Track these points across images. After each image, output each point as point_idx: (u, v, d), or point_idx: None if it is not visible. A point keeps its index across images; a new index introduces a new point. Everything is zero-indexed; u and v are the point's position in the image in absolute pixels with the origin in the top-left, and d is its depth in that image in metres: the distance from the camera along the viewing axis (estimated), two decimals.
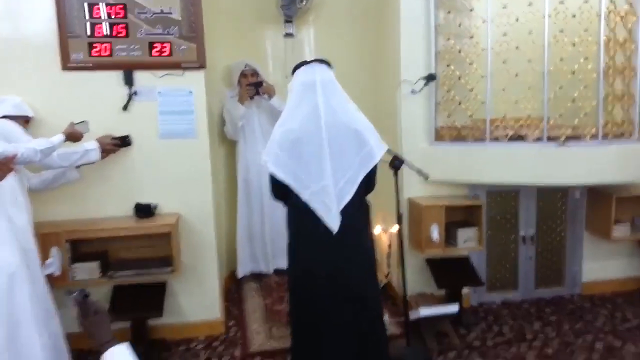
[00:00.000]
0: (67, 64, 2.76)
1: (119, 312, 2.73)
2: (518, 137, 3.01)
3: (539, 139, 2.96)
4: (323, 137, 1.99)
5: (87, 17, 2.75)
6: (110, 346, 1.38)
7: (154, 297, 2.86)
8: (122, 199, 2.90)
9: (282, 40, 4.02)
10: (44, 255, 2.54)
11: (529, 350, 2.83)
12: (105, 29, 2.77)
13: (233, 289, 3.82)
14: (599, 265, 3.58)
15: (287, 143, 2.03)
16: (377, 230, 3.48)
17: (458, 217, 3.24)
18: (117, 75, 2.83)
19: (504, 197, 3.40)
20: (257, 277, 3.95)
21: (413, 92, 3.11)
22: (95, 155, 2.65)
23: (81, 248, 2.82)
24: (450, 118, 3.17)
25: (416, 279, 3.23)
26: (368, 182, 2.10)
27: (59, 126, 2.59)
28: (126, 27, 2.79)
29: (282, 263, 3.84)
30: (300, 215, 2.05)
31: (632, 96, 3.02)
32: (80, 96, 2.80)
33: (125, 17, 2.78)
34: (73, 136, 2.59)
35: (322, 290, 2.00)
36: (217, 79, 3.78)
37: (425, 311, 2.86)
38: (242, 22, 3.94)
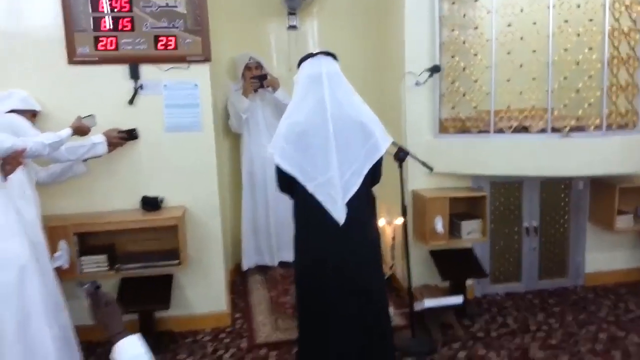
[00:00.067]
0: (73, 58, 2.77)
1: (127, 304, 2.75)
2: (522, 128, 3.01)
3: (543, 130, 2.96)
4: (329, 129, 1.99)
5: (93, 11, 2.76)
6: (122, 337, 1.39)
7: (160, 289, 2.89)
8: (128, 192, 2.92)
9: (285, 33, 4.01)
10: (53, 248, 2.57)
11: (532, 341, 2.85)
12: (110, 22, 2.78)
13: (238, 281, 3.85)
14: (602, 256, 3.59)
15: (293, 135, 2.03)
16: (381, 222, 3.50)
17: (462, 208, 3.25)
18: (122, 69, 2.84)
19: (508, 188, 3.41)
20: (262, 269, 3.98)
21: (417, 84, 3.11)
22: (102, 148, 2.66)
23: (89, 241, 2.85)
24: (454, 110, 3.17)
25: (420, 271, 3.25)
26: (374, 174, 2.11)
27: (66, 120, 2.61)
28: (131, 21, 2.79)
29: (287, 256, 3.89)
30: (306, 208, 2.06)
31: (636, 86, 3.02)
32: (87, 90, 2.82)
33: (130, 10, 2.78)
34: (80, 130, 2.60)
35: (329, 282, 2.01)
36: (222, 72, 3.78)
37: (429, 302, 2.88)
38: (246, 15, 3.94)
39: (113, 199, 2.92)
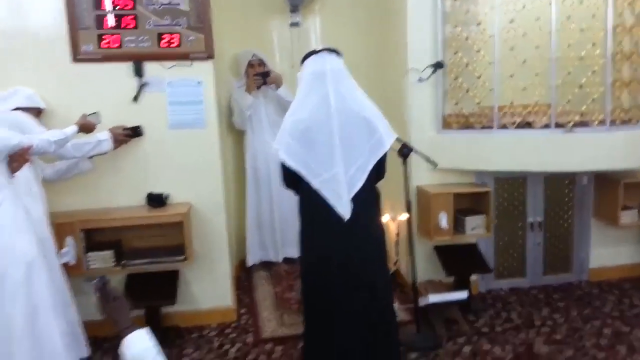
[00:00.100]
0: (77, 56, 2.79)
1: (133, 300, 2.75)
2: (526, 124, 3.01)
3: (546, 126, 2.96)
4: (333, 125, 2.00)
5: (96, 8, 2.77)
6: (131, 331, 1.41)
7: (166, 285, 2.91)
8: (134, 189, 2.94)
9: (288, 30, 4.02)
10: (60, 244, 2.59)
11: (537, 335, 2.85)
12: (114, 20, 2.79)
13: (243, 277, 3.87)
14: (606, 251, 3.59)
15: (297, 132, 2.04)
16: (385, 218, 3.51)
17: (466, 204, 3.26)
18: (126, 67, 2.86)
19: (512, 184, 3.41)
20: (266, 265, 3.99)
21: (420, 80, 3.12)
22: (108, 145, 2.68)
23: (95, 237, 2.87)
24: (457, 106, 3.17)
25: (425, 267, 3.26)
26: (378, 170, 2.11)
27: (71, 117, 2.63)
28: (135, 19, 2.81)
29: (292, 252, 3.91)
30: (312, 204, 2.06)
31: (639, 82, 3.01)
32: (91, 88, 2.83)
33: (134, 8, 2.80)
34: (86, 127, 2.62)
35: (334, 278, 2.02)
36: (224, 69, 3.79)
37: (434, 298, 2.89)
38: (248, 12, 3.95)
39: (119, 195, 2.94)
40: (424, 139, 3.15)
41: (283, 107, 3.78)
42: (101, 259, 2.76)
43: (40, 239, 2.26)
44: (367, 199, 2.07)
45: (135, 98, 2.88)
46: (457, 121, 3.17)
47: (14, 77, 2.67)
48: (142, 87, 2.87)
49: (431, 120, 3.21)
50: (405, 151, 2.67)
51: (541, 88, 2.98)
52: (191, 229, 2.89)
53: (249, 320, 3.18)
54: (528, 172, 3.30)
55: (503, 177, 3.35)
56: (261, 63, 3.80)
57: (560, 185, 3.48)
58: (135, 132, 2.85)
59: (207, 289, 3.11)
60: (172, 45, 2.86)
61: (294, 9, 3.95)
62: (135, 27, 2.81)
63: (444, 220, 3.04)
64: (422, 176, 3.22)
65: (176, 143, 2.96)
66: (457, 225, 3.17)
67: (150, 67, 2.88)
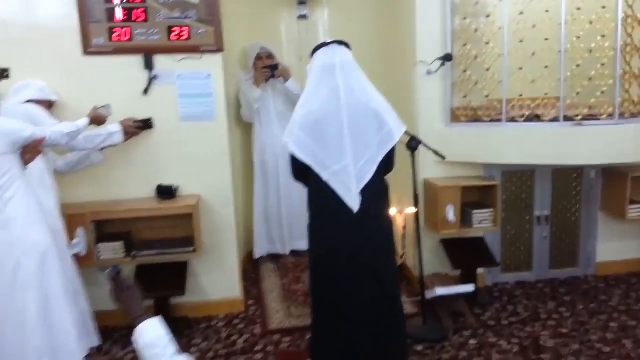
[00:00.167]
0: (88, 49, 2.81)
1: (143, 290, 2.80)
2: (534, 117, 3.01)
3: (555, 119, 2.95)
4: (343, 117, 2.01)
5: (107, 2, 2.78)
6: (143, 320, 1.42)
7: (176, 276, 2.94)
8: (144, 181, 2.96)
9: (295, 22, 4.02)
10: (71, 236, 2.63)
11: (543, 329, 2.86)
12: (124, 13, 2.80)
13: (250, 269, 3.90)
14: (613, 245, 3.58)
15: (307, 124, 2.05)
16: (392, 211, 3.51)
17: (473, 197, 3.26)
18: (137, 60, 2.87)
19: (520, 177, 3.40)
20: (273, 257, 4.01)
21: (429, 72, 3.11)
22: (119, 137, 2.71)
23: (105, 229, 2.90)
24: (466, 98, 3.17)
25: (431, 260, 3.26)
26: (387, 163, 2.12)
27: (82, 110, 2.66)
28: (145, 12, 2.82)
29: (299, 244, 3.93)
30: (321, 196, 2.07)
31: None
32: (102, 80, 2.85)
33: (144, 1, 2.81)
34: (97, 119, 2.65)
35: (343, 270, 2.03)
36: (233, 62, 3.80)
37: (441, 291, 2.90)
38: (256, 5, 3.95)
39: (129, 187, 2.96)
40: (433, 131, 3.14)
41: (291, 100, 3.79)
42: (111, 250, 2.80)
43: (53, 230, 2.30)
44: (376, 192, 2.08)
45: (146, 91, 2.90)
46: (465, 114, 3.17)
47: (26, 70, 2.68)
48: (152, 79, 2.89)
49: (440, 113, 3.21)
50: (413, 144, 2.67)
51: (550, 80, 2.97)
52: (200, 221, 2.91)
53: (256, 311, 3.21)
54: (536, 165, 3.30)
55: (511, 170, 3.35)
56: (269, 56, 3.80)
57: (568, 179, 3.47)
58: (145, 125, 2.87)
59: (216, 281, 3.14)
60: (182, 38, 2.87)
61: (302, 1, 3.95)
62: (146, 20, 2.82)
63: (451, 214, 3.05)
64: (429, 169, 3.22)
65: (186, 135, 2.98)
66: (465, 218, 3.18)
67: (160, 60, 2.89)
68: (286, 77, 3.77)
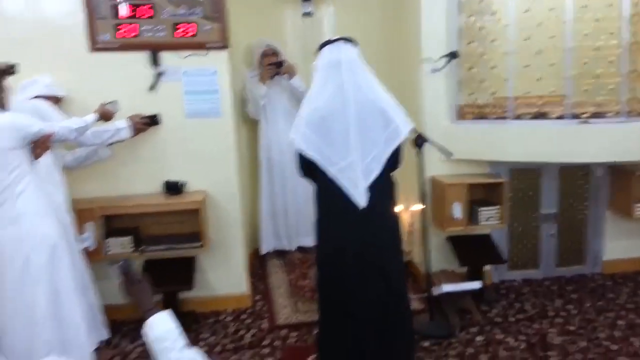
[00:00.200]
0: (95, 46, 2.82)
1: (152, 284, 2.82)
2: (541, 115, 3.00)
3: (561, 117, 2.95)
4: (349, 114, 2.01)
5: None
6: (153, 313, 1.43)
7: (183, 271, 2.96)
8: (151, 177, 2.98)
9: (300, 19, 4.02)
10: (79, 230, 2.65)
11: (550, 326, 2.86)
12: (130, 10, 2.82)
13: (257, 265, 3.91)
14: (620, 243, 3.56)
15: (313, 121, 2.05)
16: (398, 208, 3.51)
17: (480, 195, 3.26)
18: (143, 56, 2.89)
19: (526, 175, 3.39)
20: (280, 254, 4.02)
21: (435, 70, 3.11)
22: (126, 133, 2.72)
23: (113, 224, 2.92)
24: (472, 96, 3.16)
25: (438, 257, 3.26)
26: (394, 160, 2.12)
27: (88, 106, 2.68)
28: (151, 8, 2.83)
29: (305, 240, 3.94)
30: (328, 193, 2.07)
31: None
32: (108, 77, 2.87)
33: None
34: (105, 115, 2.67)
35: (350, 268, 2.03)
36: (238, 59, 3.81)
37: (448, 287, 2.90)
38: (261, 2, 3.95)
39: (137, 183, 2.98)
40: (438, 129, 3.14)
41: (296, 97, 3.79)
42: (120, 245, 2.81)
43: (62, 225, 2.31)
44: (383, 189, 2.09)
45: (152, 87, 2.91)
46: (471, 111, 3.16)
47: (33, 66, 2.69)
48: (158, 76, 2.90)
49: (445, 110, 3.20)
50: (420, 141, 2.68)
51: (557, 79, 2.96)
52: (207, 216, 2.93)
53: (263, 306, 3.22)
54: (543, 163, 3.29)
55: (517, 167, 3.34)
56: (275, 53, 3.80)
57: (574, 177, 3.46)
58: (152, 121, 2.88)
59: (223, 276, 3.16)
60: (188, 35, 2.88)
61: None
62: (152, 17, 2.83)
63: (457, 211, 3.05)
64: (436, 167, 3.21)
65: (192, 132, 2.99)
66: (471, 215, 3.17)
67: (166, 57, 2.90)
68: (291, 74, 3.78)
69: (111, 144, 2.76)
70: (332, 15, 4.08)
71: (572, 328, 2.84)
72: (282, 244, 4.03)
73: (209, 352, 2.68)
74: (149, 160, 2.98)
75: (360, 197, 2.00)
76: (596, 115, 2.91)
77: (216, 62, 2.96)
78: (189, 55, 2.92)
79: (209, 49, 2.92)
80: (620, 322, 2.89)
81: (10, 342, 2.13)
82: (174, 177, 2.98)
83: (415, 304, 3.07)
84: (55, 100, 2.69)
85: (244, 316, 3.10)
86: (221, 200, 3.09)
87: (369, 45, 3.53)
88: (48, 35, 2.79)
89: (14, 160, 2.10)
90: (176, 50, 2.90)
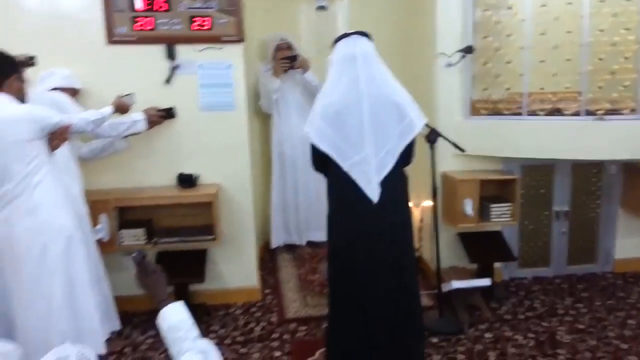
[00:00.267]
0: (112, 38, 2.85)
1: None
2: (555, 111, 2.98)
3: (576, 113, 2.92)
4: (364, 108, 2.01)
5: None
6: (167, 304, 1.45)
7: (195, 263, 2.99)
8: (165, 169, 3.01)
9: (315, 13, 4.01)
10: (94, 222, 2.68)
11: (560, 324, 2.85)
12: (147, 3, 2.83)
13: (267, 259, 3.93)
14: (633, 242, 3.53)
15: (328, 114, 2.05)
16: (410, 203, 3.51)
17: (492, 191, 3.24)
18: (159, 49, 2.91)
19: (539, 171, 3.37)
20: (290, 248, 4.04)
21: (449, 64, 3.10)
22: (142, 125, 2.75)
23: (127, 215, 2.96)
24: (486, 91, 3.15)
25: (448, 253, 3.26)
26: (407, 155, 2.11)
27: (105, 98, 2.70)
28: (168, 1, 2.84)
29: (315, 235, 3.96)
30: (341, 187, 2.07)
31: None
32: (125, 69, 2.89)
33: None
34: (121, 108, 2.69)
35: (362, 262, 2.03)
36: (252, 53, 3.81)
37: (457, 284, 2.90)
38: None
39: (151, 175, 3.01)
40: (452, 124, 3.12)
41: (309, 91, 3.80)
42: (133, 237, 2.85)
43: (78, 216, 2.35)
44: (396, 183, 2.08)
45: (168, 80, 2.93)
46: (485, 107, 3.15)
47: (51, 58, 2.73)
48: (174, 69, 2.92)
49: (459, 105, 3.19)
50: (432, 137, 2.67)
51: (572, 74, 2.93)
52: (220, 209, 2.95)
53: (273, 300, 3.25)
54: (556, 160, 3.27)
55: (530, 164, 3.32)
56: (289, 47, 3.80)
57: (587, 174, 3.43)
58: (168, 114, 2.91)
59: (234, 269, 3.18)
60: (203, 28, 2.89)
61: None
62: (168, 10, 2.85)
63: (469, 207, 3.04)
64: (448, 162, 3.21)
65: (206, 125, 3.01)
66: (482, 212, 3.16)
67: (182, 50, 2.92)
68: (305, 68, 3.78)
69: (127, 136, 2.78)
70: (346, 9, 4.07)
71: (581, 326, 2.83)
72: (292, 238, 4.05)
73: (218, 344, 2.71)
74: (164, 153, 3.01)
75: (373, 192, 2.00)
76: (611, 112, 2.89)
77: (231, 56, 2.97)
78: (205, 48, 2.93)
79: (224, 42, 2.93)
80: (630, 322, 2.88)
81: (25, 331, 2.16)
82: (187, 169, 3.00)
83: (425, 300, 3.08)
84: (73, 92, 2.73)
85: (253, 309, 3.12)
86: (234, 193, 3.11)
87: (382, 39, 3.52)
88: (66, 28, 2.82)
89: (31, 151, 2.13)
90: (192, 44, 2.91)
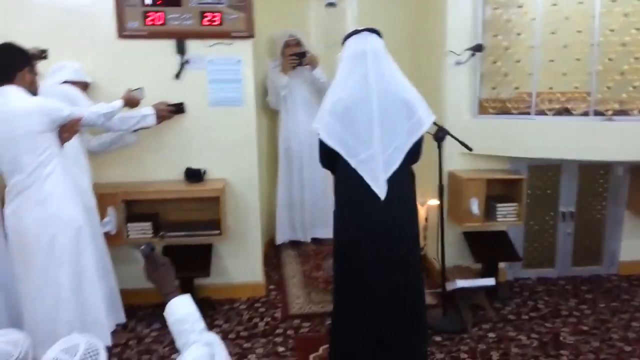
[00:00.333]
0: (123, 33, 2.86)
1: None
2: (564, 111, 2.97)
3: (585, 113, 2.91)
4: (373, 105, 2.01)
5: None
6: (174, 297, 1.47)
7: (201, 258, 3.01)
8: (173, 164, 3.02)
9: (324, 10, 4.00)
10: (102, 214, 2.70)
11: (564, 325, 2.85)
12: None
13: (272, 255, 3.95)
14: (638, 245, 3.51)
15: (337, 111, 2.05)
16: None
17: (498, 191, 3.23)
18: (169, 44, 2.92)
19: (546, 172, 3.36)
20: (294, 244, 4.06)
21: (458, 63, 3.09)
22: (152, 120, 2.77)
23: (134, 209, 2.98)
24: (495, 90, 3.14)
25: (453, 252, 3.25)
26: (414, 152, 2.11)
27: (115, 92, 2.71)
28: None
29: (320, 232, 3.97)
30: (348, 183, 2.07)
31: None
32: (135, 64, 2.91)
33: None
34: (130, 102, 2.71)
35: (368, 260, 2.03)
36: (260, 49, 3.82)
37: (461, 283, 2.90)
38: None
39: (159, 169, 3.03)
40: (460, 123, 3.12)
41: (317, 88, 3.80)
42: (140, 230, 2.87)
43: (87, 208, 2.37)
44: (403, 181, 2.08)
45: (177, 75, 2.94)
46: (494, 106, 3.14)
47: (63, 52, 2.75)
48: (184, 64, 2.93)
49: (467, 104, 3.19)
50: (440, 135, 2.67)
51: (581, 74, 2.92)
52: (226, 204, 2.96)
53: (277, 296, 3.26)
54: (563, 160, 3.26)
55: (537, 164, 3.31)
56: (298, 43, 3.80)
57: (594, 175, 3.42)
58: (178, 109, 2.92)
59: (239, 264, 3.20)
60: (214, 24, 2.90)
61: None
62: (179, 5, 2.86)
63: (475, 206, 3.04)
64: (454, 161, 3.21)
65: (215, 120, 3.02)
66: (488, 211, 3.16)
67: (192, 45, 2.93)
68: (313, 65, 3.78)
69: (136, 130, 2.80)
70: (355, 6, 4.05)
71: (585, 328, 2.83)
72: (297, 235, 4.05)
73: (223, 339, 2.72)
74: (172, 147, 3.02)
75: (380, 189, 2.00)
76: (620, 112, 2.88)
77: (240, 52, 2.98)
78: (215, 44, 2.94)
79: (234, 38, 2.94)
80: (634, 324, 2.87)
81: (32, 322, 2.19)
82: (195, 164, 3.02)
83: (429, 298, 3.08)
84: (84, 86, 2.74)
85: (258, 304, 3.14)
86: (240, 189, 3.12)
87: (392, 37, 3.50)
88: (77, 22, 2.83)
89: (42, 143, 2.15)
90: (202, 39, 2.92)
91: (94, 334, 2.16)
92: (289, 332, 2.82)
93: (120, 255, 2.81)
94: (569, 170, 3.37)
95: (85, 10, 2.84)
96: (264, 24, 3.69)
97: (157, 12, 2.85)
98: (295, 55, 3.72)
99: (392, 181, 2.02)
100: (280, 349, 2.66)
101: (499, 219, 3.13)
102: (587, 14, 2.85)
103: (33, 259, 2.17)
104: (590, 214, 3.47)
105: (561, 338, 2.72)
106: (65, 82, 2.63)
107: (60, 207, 2.18)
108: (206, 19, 2.88)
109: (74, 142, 2.42)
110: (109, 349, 2.41)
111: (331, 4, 3.97)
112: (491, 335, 2.76)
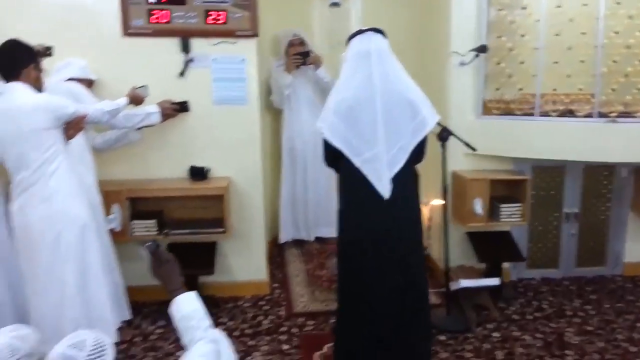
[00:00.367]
0: (128, 30, 2.87)
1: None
2: (568, 112, 2.97)
3: (589, 115, 2.91)
4: (377, 104, 2.01)
5: None
6: (180, 293, 1.48)
7: (205, 255, 3.01)
8: (177, 162, 3.03)
9: (328, 10, 4.01)
10: (106, 212, 2.70)
11: (568, 326, 2.84)
12: None
13: (275, 253, 3.95)
14: None
15: (341, 110, 2.05)
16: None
17: (502, 191, 3.23)
18: (173, 42, 2.92)
19: (550, 173, 3.36)
20: (298, 243, 4.06)
21: (462, 63, 3.09)
22: (156, 118, 2.77)
23: (139, 206, 2.98)
24: (499, 91, 3.14)
25: (456, 252, 3.25)
26: (418, 152, 2.12)
27: (120, 90, 2.72)
28: None
29: (323, 231, 3.97)
30: (352, 182, 2.08)
31: None
32: (140, 62, 2.92)
33: None
34: (135, 99, 2.71)
35: (371, 259, 2.04)
36: (264, 48, 3.82)
37: (465, 282, 2.90)
38: None
39: (163, 167, 3.04)
40: (463, 123, 3.12)
41: (321, 87, 3.80)
42: (144, 227, 2.88)
43: (92, 205, 2.38)
44: (407, 180, 2.08)
45: (182, 73, 2.95)
46: (497, 107, 3.14)
47: (68, 49, 2.75)
48: (188, 62, 2.94)
49: (471, 105, 3.19)
50: (444, 135, 2.67)
51: (585, 76, 2.92)
52: (230, 203, 2.96)
53: (281, 294, 3.26)
54: (567, 161, 3.25)
55: (541, 165, 3.31)
56: (301, 43, 3.80)
57: (598, 177, 3.41)
58: (182, 107, 2.92)
59: (243, 262, 3.20)
60: (218, 22, 2.90)
61: None
62: (184, 3, 2.86)
63: (478, 207, 3.04)
64: (458, 161, 3.20)
65: (219, 119, 3.03)
66: (492, 212, 3.16)
67: (196, 43, 2.94)
68: (317, 64, 3.78)
69: (140, 127, 2.81)
70: (359, 6, 4.06)
71: (590, 328, 2.82)
72: (300, 233, 4.06)
73: (227, 336, 2.73)
74: (176, 145, 3.03)
75: (384, 189, 2.01)
76: (624, 114, 2.87)
77: (245, 50, 2.98)
78: (219, 42, 2.94)
79: (238, 36, 2.94)
80: (639, 325, 2.86)
81: (38, 318, 2.20)
82: (199, 162, 3.02)
83: (433, 298, 3.07)
84: (89, 83, 2.75)
85: (262, 303, 3.14)
86: (244, 187, 3.13)
87: (396, 37, 3.49)
88: (82, 19, 2.84)
89: (48, 140, 2.16)
90: (206, 38, 2.93)
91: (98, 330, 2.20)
92: (293, 330, 2.82)
93: (125, 253, 2.82)
94: (573, 172, 3.36)
95: (90, 8, 2.85)
96: (268, 23, 3.70)
97: (162, 10, 2.86)
98: (299, 55, 3.73)
99: (396, 181, 2.02)
100: (285, 346, 2.67)
101: (502, 220, 3.13)
102: (592, 16, 2.85)
103: (38, 256, 2.18)
104: (594, 215, 3.46)
105: (566, 338, 2.72)
106: (70, 79, 2.64)
107: (66, 204, 2.19)
108: (211, 17, 2.89)
109: (79, 140, 2.43)
110: (115, 346, 2.41)
111: (335, 4, 3.98)
112: (495, 334, 2.75)
